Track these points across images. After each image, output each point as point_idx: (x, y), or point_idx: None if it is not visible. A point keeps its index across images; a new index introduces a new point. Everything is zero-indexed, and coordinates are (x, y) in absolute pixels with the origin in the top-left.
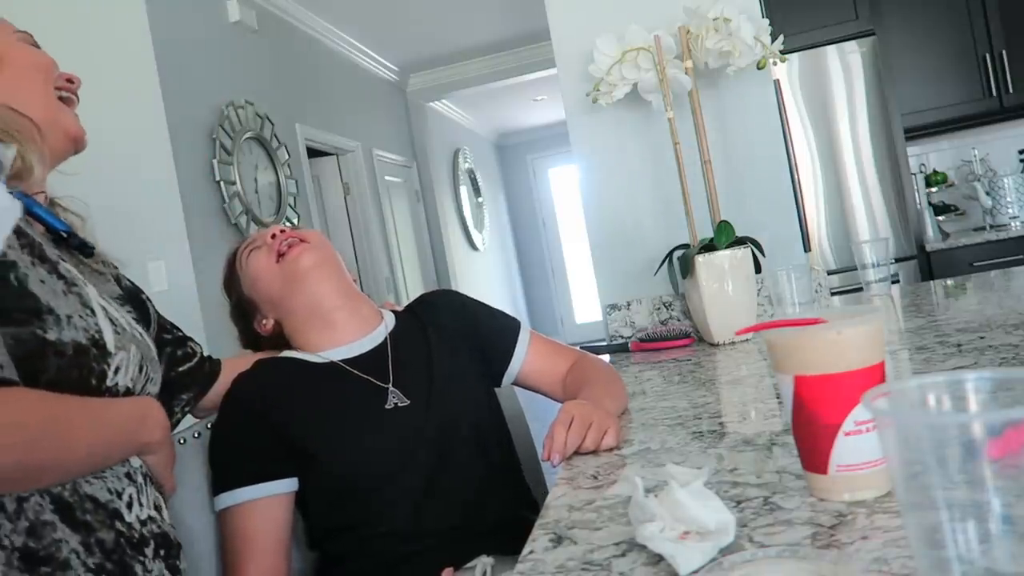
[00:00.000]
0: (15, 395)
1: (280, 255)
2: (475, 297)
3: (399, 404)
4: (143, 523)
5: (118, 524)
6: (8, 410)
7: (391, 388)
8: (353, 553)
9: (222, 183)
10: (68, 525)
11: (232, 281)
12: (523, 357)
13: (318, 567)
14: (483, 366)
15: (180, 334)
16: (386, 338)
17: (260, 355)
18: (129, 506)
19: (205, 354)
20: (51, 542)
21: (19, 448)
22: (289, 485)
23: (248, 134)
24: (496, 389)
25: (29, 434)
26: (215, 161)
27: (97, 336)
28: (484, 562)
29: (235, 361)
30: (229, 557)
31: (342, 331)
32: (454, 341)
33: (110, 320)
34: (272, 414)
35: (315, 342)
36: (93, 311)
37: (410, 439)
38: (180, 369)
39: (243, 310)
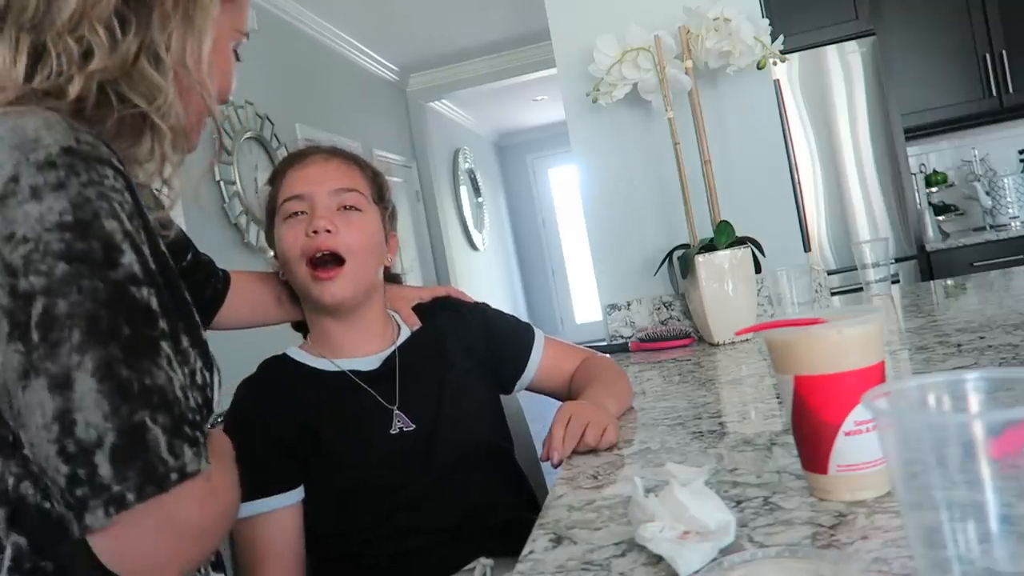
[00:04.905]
0: (217, 483)
1: (311, 263)
2: (476, 299)
3: (404, 429)
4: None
5: None
6: (218, 502)
7: (396, 411)
8: (351, 555)
9: (222, 183)
10: None
11: (272, 203)
12: (537, 365)
13: (315, 568)
14: (496, 374)
15: (202, 257)
16: (394, 352)
17: (271, 278)
18: None
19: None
20: None
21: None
22: (296, 496)
23: (248, 134)
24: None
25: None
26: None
27: (209, 394)
28: (483, 563)
29: (245, 276)
30: (244, 571)
31: (352, 347)
32: (470, 345)
33: (216, 368)
34: (276, 427)
35: (325, 345)
36: (211, 366)
37: (414, 461)
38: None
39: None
